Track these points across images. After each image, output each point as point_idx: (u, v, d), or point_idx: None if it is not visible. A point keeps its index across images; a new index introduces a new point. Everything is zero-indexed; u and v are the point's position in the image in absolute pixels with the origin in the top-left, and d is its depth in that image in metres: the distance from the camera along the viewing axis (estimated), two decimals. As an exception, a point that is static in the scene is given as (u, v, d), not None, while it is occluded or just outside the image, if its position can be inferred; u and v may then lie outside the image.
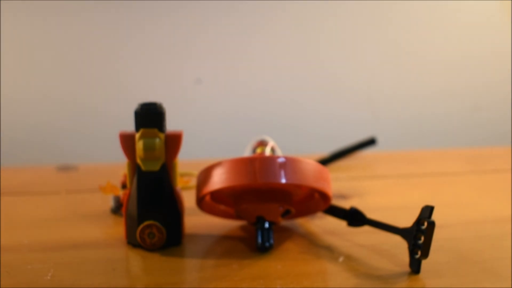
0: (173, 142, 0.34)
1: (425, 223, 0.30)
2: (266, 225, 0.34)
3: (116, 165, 0.48)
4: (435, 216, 0.30)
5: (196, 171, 0.37)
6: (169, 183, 0.34)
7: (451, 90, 0.81)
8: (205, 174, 0.35)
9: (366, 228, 0.35)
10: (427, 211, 0.30)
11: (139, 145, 0.33)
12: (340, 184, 0.51)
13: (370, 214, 0.36)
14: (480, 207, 0.44)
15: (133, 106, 0.33)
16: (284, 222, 0.40)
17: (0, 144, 0.69)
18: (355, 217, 0.36)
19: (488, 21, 0.79)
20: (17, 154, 0.71)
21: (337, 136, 0.75)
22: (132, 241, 0.35)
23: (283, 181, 0.32)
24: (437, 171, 0.58)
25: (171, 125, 0.35)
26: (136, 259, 0.33)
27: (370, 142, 0.60)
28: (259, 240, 0.34)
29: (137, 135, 0.33)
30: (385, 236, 0.35)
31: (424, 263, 0.31)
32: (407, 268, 0.31)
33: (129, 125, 0.35)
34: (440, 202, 0.39)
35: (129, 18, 0.71)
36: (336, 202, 0.40)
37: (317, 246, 0.35)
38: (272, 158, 0.33)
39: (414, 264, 0.31)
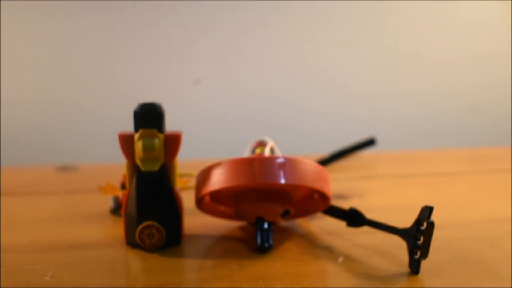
0: (173, 142, 0.34)
1: (425, 224, 0.30)
2: (266, 225, 0.34)
3: (115, 166, 0.48)
4: (434, 216, 0.30)
5: (195, 172, 0.37)
6: (169, 184, 0.34)
7: (451, 90, 0.81)
8: (205, 175, 0.35)
9: (366, 229, 0.35)
10: (427, 211, 0.30)
11: (138, 145, 0.33)
12: (340, 184, 0.51)
13: (369, 215, 0.36)
14: (480, 207, 0.44)
15: (133, 106, 0.33)
16: (283, 223, 0.40)
17: (0, 144, 0.69)
18: (354, 218, 0.36)
19: (488, 21, 0.79)
20: (17, 154, 0.71)
21: (336, 136, 0.75)
22: (132, 242, 0.35)
23: (282, 181, 0.32)
24: (437, 171, 0.58)
25: (170, 126, 0.35)
26: (135, 260, 0.33)
27: (370, 142, 0.60)
28: (259, 240, 0.34)
29: (136, 136, 0.33)
30: (384, 237, 0.35)
31: (424, 263, 0.31)
32: (406, 269, 0.31)
33: (129, 126, 0.35)
34: (439, 202, 0.39)
35: (128, 18, 0.71)
36: (335, 202, 0.40)
37: (316, 246, 0.35)
38: (271, 159, 0.33)
39: (414, 264, 0.30)
